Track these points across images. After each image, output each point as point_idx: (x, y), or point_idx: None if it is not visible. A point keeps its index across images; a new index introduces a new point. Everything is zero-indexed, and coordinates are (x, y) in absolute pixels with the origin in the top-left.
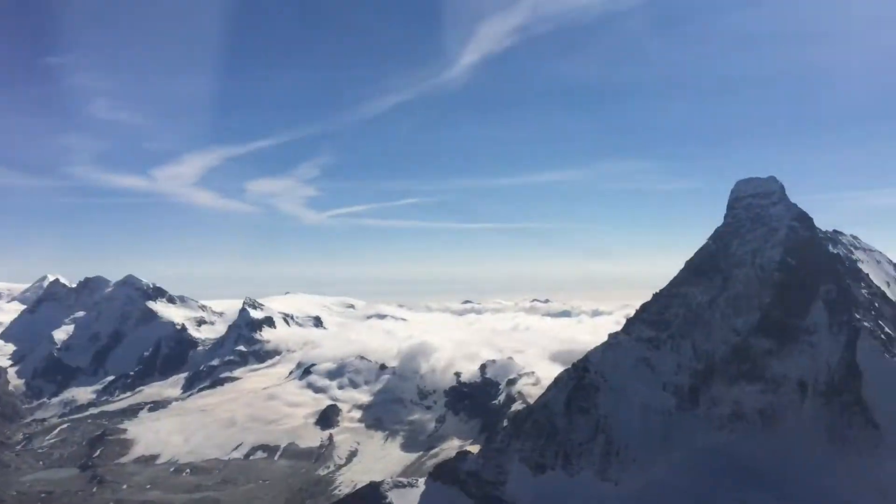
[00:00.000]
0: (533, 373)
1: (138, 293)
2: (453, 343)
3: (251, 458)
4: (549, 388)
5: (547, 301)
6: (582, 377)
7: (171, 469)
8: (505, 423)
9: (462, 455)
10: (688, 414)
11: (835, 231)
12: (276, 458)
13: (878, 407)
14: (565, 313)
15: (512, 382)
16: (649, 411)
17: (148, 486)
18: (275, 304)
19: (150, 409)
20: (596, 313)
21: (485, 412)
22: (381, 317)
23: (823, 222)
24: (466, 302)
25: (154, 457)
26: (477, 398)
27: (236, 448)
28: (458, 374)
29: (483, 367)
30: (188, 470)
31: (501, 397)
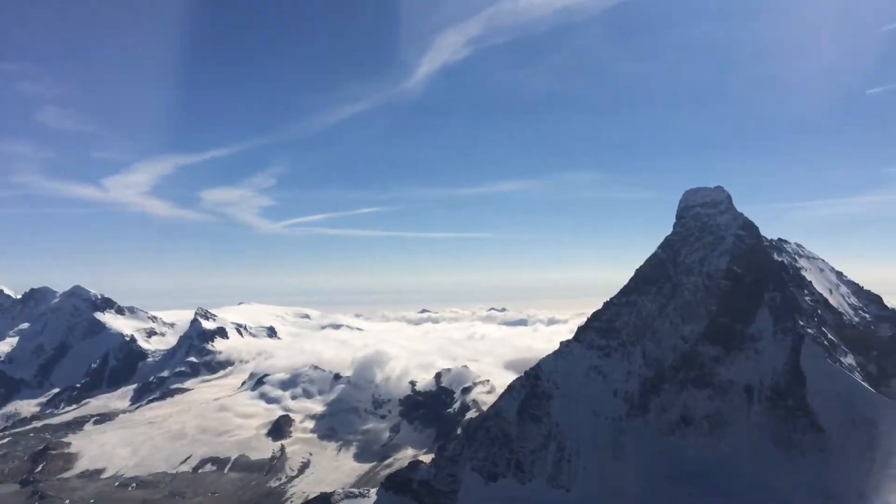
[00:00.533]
0: (488, 381)
1: (86, 304)
2: (409, 352)
3: (200, 471)
4: (502, 396)
5: (504, 310)
6: (534, 385)
7: (117, 483)
8: (459, 431)
9: (414, 464)
10: (638, 420)
11: (780, 239)
12: (225, 470)
13: (821, 411)
14: (521, 322)
15: (467, 391)
16: (600, 418)
17: (92, 502)
18: (228, 315)
19: (96, 422)
20: (552, 321)
21: (440, 421)
22: (337, 326)
23: (773, 232)
24: (423, 311)
25: (99, 471)
26: (432, 407)
27: (185, 461)
28: (413, 383)
29: (438, 376)
30: (134, 484)
31: (456, 406)
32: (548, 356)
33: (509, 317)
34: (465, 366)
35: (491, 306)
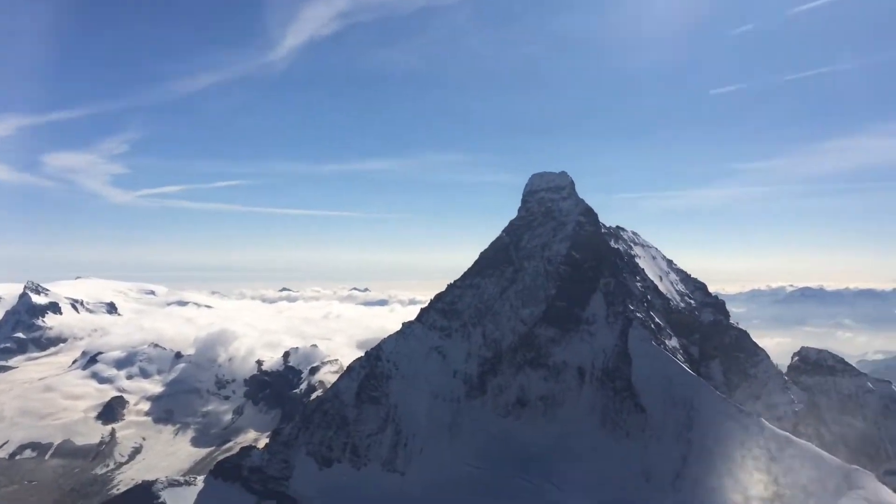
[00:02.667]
0: (337, 360)
1: None
2: (257, 331)
3: (18, 457)
4: (341, 378)
5: (366, 290)
6: (374, 366)
7: None
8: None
9: (246, 450)
10: (476, 402)
11: (617, 227)
12: (46, 456)
13: (644, 392)
14: (382, 302)
15: (315, 371)
16: (439, 400)
17: None
18: (63, 290)
19: None
20: (412, 302)
21: (286, 402)
22: (183, 303)
23: (625, 221)
24: (284, 289)
25: None
26: (278, 387)
27: (1, 446)
28: (259, 363)
29: (286, 355)
30: None
31: (303, 386)
32: (389, 336)
33: (371, 297)
34: (315, 345)
35: (353, 286)
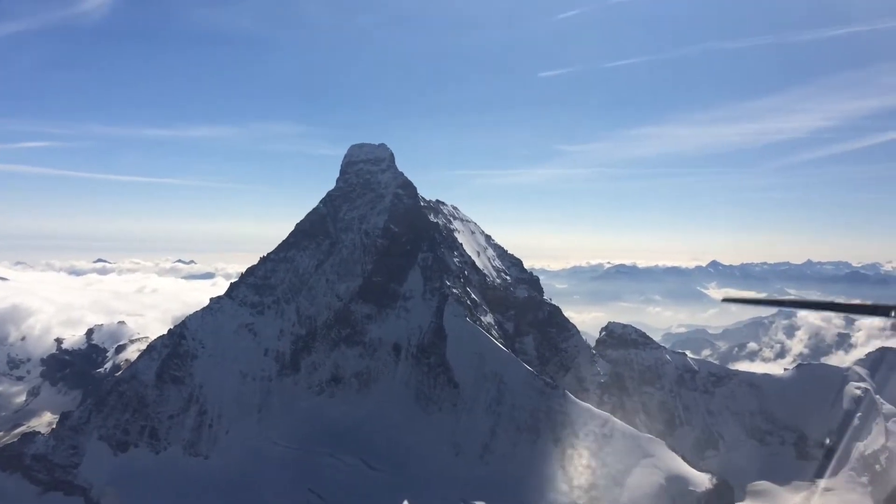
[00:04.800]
0: (146, 338)
1: None
2: (57, 306)
3: None
4: (140, 358)
5: (192, 262)
6: (178, 344)
7: None
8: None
9: (29, 437)
10: (288, 380)
11: (437, 201)
12: None
13: (458, 367)
14: (209, 275)
15: (121, 349)
16: (248, 379)
17: None
18: None
19: None
20: (240, 275)
21: (89, 382)
22: None
23: (452, 198)
24: (99, 260)
25: None
26: (80, 367)
27: None
28: (59, 341)
29: (90, 333)
30: None
31: (108, 365)
32: (195, 313)
33: (196, 269)
34: (122, 321)
35: (178, 258)
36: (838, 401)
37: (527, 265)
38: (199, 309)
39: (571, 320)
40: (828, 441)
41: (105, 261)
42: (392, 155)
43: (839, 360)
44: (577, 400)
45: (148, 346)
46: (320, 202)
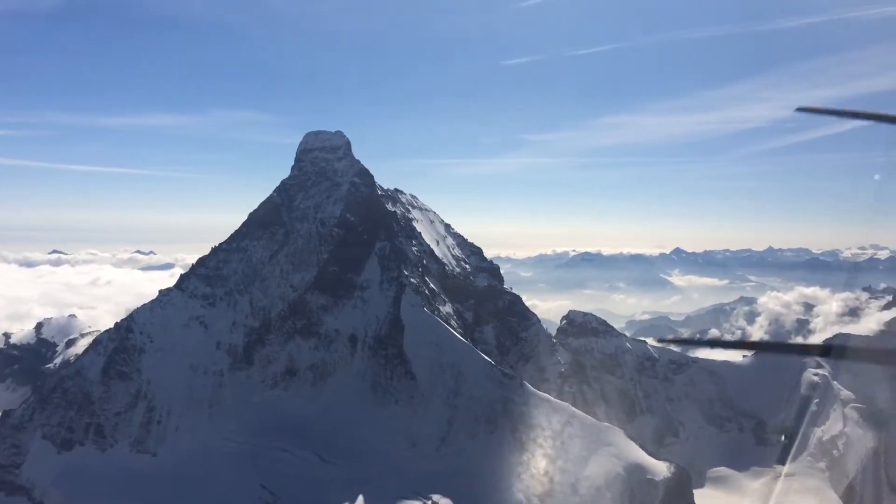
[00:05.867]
0: (98, 332)
1: None
2: (5, 300)
3: None
4: (86, 353)
5: (151, 253)
6: (125, 338)
7: None
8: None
9: None
10: (241, 374)
11: (396, 190)
12: None
13: (415, 359)
14: (168, 266)
15: (71, 343)
16: (199, 373)
17: None
18: None
19: None
20: None
21: (37, 378)
22: None
23: (415, 188)
24: (54, 251)
25: None
26: (29, 362)
27: None
28: (7, 335)
29: (39, 327)
30: None
31: (58, 361)
32: (143, 306)
33: (155, 261)
34: (73, 315)
35: (137, 248)
36: (796, 387)
37: (492, 254)
38: (147, 301)
39: (536, 308)
40: (784, 431)
41: (61, 252)
42: (349, 143)
43: None
44: (536, 390)
45: (94, 340)
46: (274, 191)
